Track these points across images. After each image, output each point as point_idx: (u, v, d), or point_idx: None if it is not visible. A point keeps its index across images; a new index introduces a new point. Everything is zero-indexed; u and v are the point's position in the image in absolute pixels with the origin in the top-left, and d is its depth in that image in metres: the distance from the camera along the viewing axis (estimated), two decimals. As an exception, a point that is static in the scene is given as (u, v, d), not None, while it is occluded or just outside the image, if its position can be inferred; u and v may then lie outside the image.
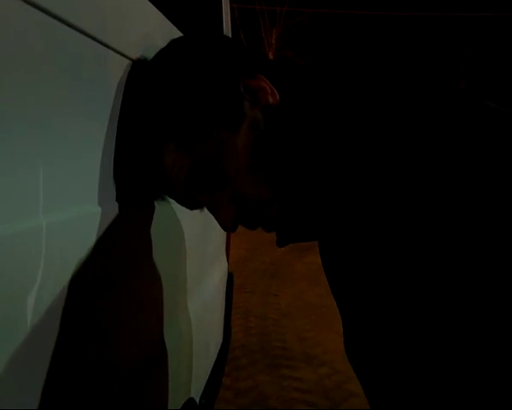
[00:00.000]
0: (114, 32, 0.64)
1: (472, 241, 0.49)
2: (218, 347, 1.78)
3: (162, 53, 0.70)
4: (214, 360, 1.67)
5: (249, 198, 0.64)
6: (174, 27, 0.91)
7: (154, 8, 0.80)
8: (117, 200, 0.66)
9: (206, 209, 0.70)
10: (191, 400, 1.18)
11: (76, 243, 0.55)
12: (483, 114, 0.55)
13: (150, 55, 0.71)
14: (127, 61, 0.68)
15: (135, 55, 0.70)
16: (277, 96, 0.66)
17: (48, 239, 0.48)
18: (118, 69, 0.66)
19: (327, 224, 0.62)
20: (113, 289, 0.67)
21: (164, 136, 0.64)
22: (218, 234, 1.65)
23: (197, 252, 1.29)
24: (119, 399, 0.70)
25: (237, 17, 14.11)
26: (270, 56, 15.41)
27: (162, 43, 0.71)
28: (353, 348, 0.64)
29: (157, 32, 0.81)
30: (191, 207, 0.70)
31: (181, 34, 0.93)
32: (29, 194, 0.46)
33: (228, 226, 0.67)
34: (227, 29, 1.70)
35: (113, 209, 0.65)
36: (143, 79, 0.69)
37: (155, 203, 0.80)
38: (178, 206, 0.72)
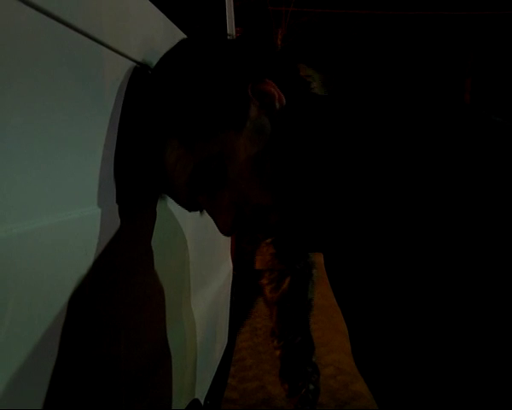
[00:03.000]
0: (117, 33, 0.64)
1: (475, 250, 0.49)
2: (224, 348, 1.78)
3: (172, 52, 0.70)
4: (219, 360, 1.67)
5: (249, 202, 0.64)
6: (178, 30, 0.91)
7: (159, 10, 0.80)
8: (118, 201, 0.66)
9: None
10: (196, 401, 1.18)
11: (78, 245, 0.56)
12: (487, 127, 0.54)
13: (153, 56, 0.71)
14: (130, 63, 0.69)
15: (138, 57, 0.70)
16: (284, 103, 0.66)
17: (48, 242, 0.48)
18: (121, 71, 0.67)
19: (331, 236, 0.61)
20: (117, 290, 0.67)
21: (168, 133, 0.64)
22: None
23: (201, 253, 1.29)
24: (124, 400, 0.71)
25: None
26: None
27: (166, 45, 0.71)
28: (362, 357, 0.64)
29: (160, 35, 0.81)
30: (190, 209, 0.70)
31: (185, 36, 0.93)
32: (27, 195, 0.46)
33: (226, 230, 0.67)
34: (231, 32, 1.70)
35: (115, 211, 0.65)
36: (151, 77, 0.69)
37: (158, 204, 0.81)
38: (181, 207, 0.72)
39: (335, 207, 0.59)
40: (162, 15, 0.83)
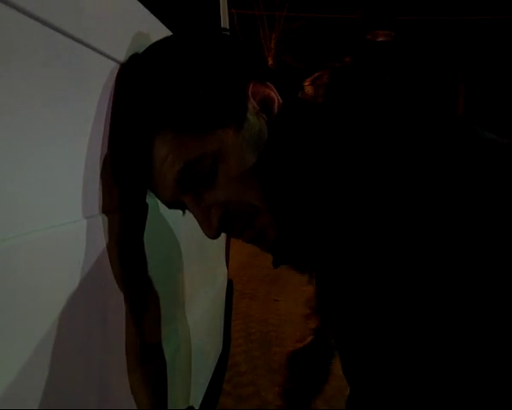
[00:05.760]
0: (108, 37, 0.63)
1: (471, 271, 0.48)
2: (218, 354, 1.78)
3: (169, 40, 0.67)
4: (214, 366, 1.66)
5: (238, 204, 0.62)
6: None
7: (155, 17, 0.80)
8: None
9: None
10: (191, 408, 1.18)
11: (70, 255, 0.55)
12: (478, 147, 0.53)
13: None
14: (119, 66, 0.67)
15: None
16: (281, 110, 0.64)
17: (37, 253, 0.48)
18: (111, 74, 0.65)
19: (323, 250, 0.60)
20: (110, 298, 0.67)
21: (161, 124, 0.60)
22: (217, 240, 1.65)
23: (196, 258, 1.29)
24: (118, 406, 0.70)
25: (236, 22, 14.15)
26: (270, 61, 15.45)
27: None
28: (353, 374, 0.64)
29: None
30: (171, 207, 0.67)
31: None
32: (10, 207, 0.44)
33: (212, 232, 0.64)
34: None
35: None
36: (145, 66, 0.64)
37: (151, 209, 0.80)
38: (176, 212, 0.71)
39: (328, 220, 0.58)
40: (159, 22, 0.83)
